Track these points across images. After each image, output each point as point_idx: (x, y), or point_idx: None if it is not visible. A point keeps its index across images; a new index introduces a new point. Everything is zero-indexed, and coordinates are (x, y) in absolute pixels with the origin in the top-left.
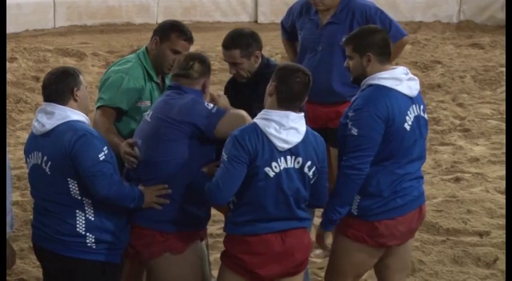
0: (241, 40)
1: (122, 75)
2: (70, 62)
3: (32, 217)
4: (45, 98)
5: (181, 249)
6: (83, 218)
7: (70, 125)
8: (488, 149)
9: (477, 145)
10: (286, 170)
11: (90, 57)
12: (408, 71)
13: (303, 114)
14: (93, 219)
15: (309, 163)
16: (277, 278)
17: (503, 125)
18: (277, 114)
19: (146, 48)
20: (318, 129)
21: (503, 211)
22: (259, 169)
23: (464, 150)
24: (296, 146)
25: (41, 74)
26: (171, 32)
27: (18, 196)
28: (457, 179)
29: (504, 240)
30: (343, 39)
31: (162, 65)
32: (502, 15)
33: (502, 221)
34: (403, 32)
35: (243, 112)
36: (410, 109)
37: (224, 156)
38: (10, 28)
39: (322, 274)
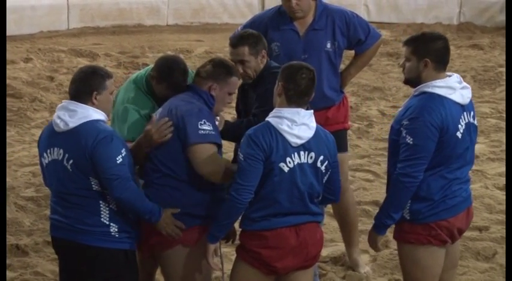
0: (249, 38)
1: (126, 107)
2: (83, 63)
3: (46, 212)
4: (69, 94)
5: (193, 242)
6: (107, 208)
7: (92, 126)
8: (487, 147)
9: (477, 142)
10: (300, 165)
11: (102, 58)
12: (462, 79)
13: (312, 111)
14: (115, 209)
15: (321, 157)
16: (292, 271)
17: (502, 124)
18: (288, 112)
19: (147, 77)
20: None
21: (502, 207)
22: (274, 165)
23: None
24: (308, 142)
25: (55, 74)
26: (168, 79)
27: (33, 191)
28: None
29: (503, 235)
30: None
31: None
32: (501, 17)
33: (501, 217)
34: (379, 32)
35: (225, 161)
36: (462, 117)
37: (240, 156)
38: (25, 29)
39: (328, 267)
